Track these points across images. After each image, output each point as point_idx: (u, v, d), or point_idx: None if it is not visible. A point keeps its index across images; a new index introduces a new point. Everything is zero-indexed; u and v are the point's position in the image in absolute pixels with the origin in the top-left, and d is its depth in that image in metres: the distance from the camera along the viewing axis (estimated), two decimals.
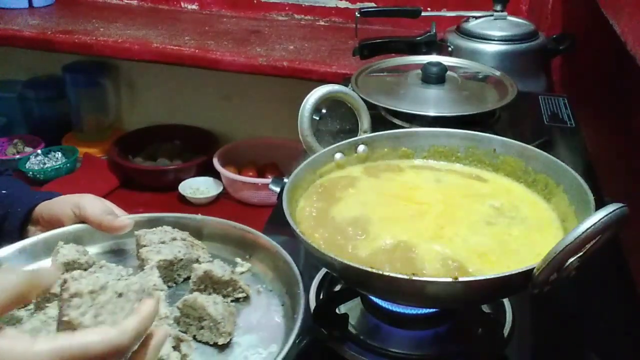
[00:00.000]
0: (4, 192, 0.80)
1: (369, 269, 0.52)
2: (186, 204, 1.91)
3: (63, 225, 0.72)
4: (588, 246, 0.48)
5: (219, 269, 0.65)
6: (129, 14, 2.02)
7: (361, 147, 0.76)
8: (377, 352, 0.62)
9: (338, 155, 0.74)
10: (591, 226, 0.47)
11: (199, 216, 0.74)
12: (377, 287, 0.57)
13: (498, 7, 1.33)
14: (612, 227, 0.48)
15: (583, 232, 0.47)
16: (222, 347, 0.60)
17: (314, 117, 0.87)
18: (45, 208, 0.75)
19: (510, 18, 1.34)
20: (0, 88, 2.24)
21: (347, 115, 1.09)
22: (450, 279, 0.51)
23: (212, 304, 0.60)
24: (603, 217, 0.47)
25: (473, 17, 1.35)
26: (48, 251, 0.68)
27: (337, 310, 0.67)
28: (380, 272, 0.52)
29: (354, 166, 0.75)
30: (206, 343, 0.61)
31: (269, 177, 1.88)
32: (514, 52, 1.29)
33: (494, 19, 1.33)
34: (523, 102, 1.12)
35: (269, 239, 0.68)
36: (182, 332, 0.60)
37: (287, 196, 0.64)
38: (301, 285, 0.61)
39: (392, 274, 0.52)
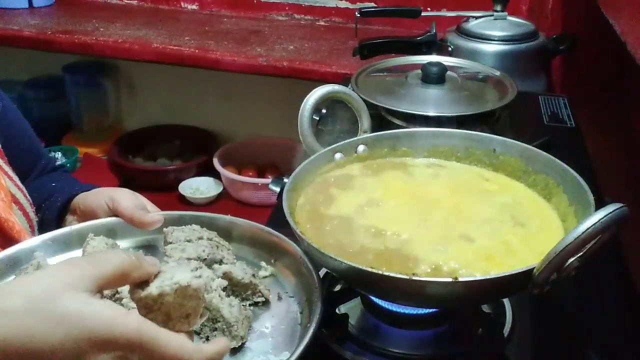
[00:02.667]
0: (52, 184, 0.84)
1: (369, 269, 0.52)
2: (186, 204, 1.91)
3: (97, 217, 0.73)
4: (588, 246, 0.48)
5: (240, 272, 0.64)
6: (129, 14, 2.02)
7: (361, 147, 0.76)
8: (377, 352, 0.62)
9: (338, 155, 0.74)
10: (591, 226, 0.47)
11: (229, 217, 0.73)
12: (377, 287, 0.57)
13: (498, 7, 1.33)
14: (612, 227, 0.48)
15: (583, 232, 0.47)
16: (234, 351, 0.59)
17: (314, 117, 0.87)
18: (82, 199, 0.77)
19: (510, 18, 1.34)
20: (0, 88, 2.24)
21: (347, 115, 1.09)
22: (450, 279, 0.51)
23: (228, 306, 0.60)
24: (603, 217, 0.47)
25: (473, 17, 1.35)
26: (80, 242, 0.68)
27: (337, 310, 0.67)
28: (380, 272, 0.52)
29: (354, 165, 0.75)
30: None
31: (269, 177, 1.88)
32: (514, 52, 1.29)
33: (494, 19, 1.33)
34: (523, 102, 1.12)
35: (294, 244, 0.66)
36: (195, 332, 0.59)
37: (287, 196, 0.64)
38: (319, 292, 0.59)
39: (392, 274, 0.52)
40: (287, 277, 0.67)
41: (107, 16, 1.97)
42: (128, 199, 0.72)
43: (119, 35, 1.79)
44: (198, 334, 0.61)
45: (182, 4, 2.11)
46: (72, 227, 0.71)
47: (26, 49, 1.88)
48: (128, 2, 2.15)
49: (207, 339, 0.61)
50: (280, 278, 0.68)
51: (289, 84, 1.64)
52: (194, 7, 2.11)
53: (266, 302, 0.65)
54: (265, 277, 0.68)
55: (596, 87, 1.29)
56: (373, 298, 0.65)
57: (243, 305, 0.62)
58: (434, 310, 0.64)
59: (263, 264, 0.70)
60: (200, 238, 0.69)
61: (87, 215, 0.75)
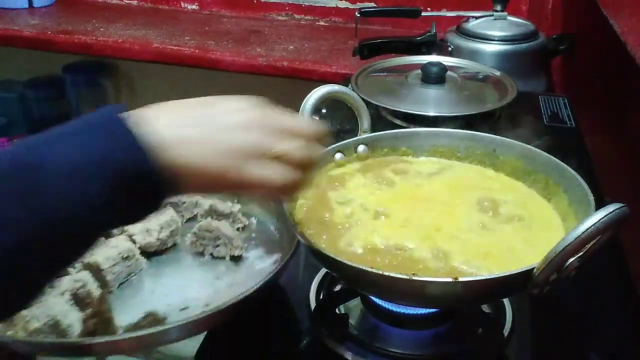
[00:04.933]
0: None
1: (369, 269, 0.52)
2: None
3: None
4: (588, 246, 0.48)
5: (221, 204, 0.79)
6: (129, 14, 2.02)
7: (361, 147, 0.76)
8: (377, 352, 0.62)
9: (338, 155, 0.74)
10: (591, 226, 0.47)
11: None
12: (377, 287, 0.57)
13: (498, 7, 1.33)
14: (612, 227, 0.48)
15: (583, 232, 0.47)
16: (236, 260, 0.75)
17: (314, 117, 0.87)
18: None
19: (510, 18, 1.34)
20: (0, 88, 2.24)
21: (347, 115, 1.09)
22: (450, 279, 0.51)
23: (223, 226, 0.75)
24: (603, 217, 0.47)
25: (473, 17, 1.35)
26: None
27: (337, 310, 0.67)
28: (380, 272, 0.52)
29: (354, 165, 0.75)
30: (222, 258, 0.75)
31: None
32: (514, 52, 1.29)
33: (494, 19, 1.33)
34: (523, 102, 1.12)
35: None
36: (199, 253, 0.76)
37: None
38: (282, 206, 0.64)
39: (392, 274, 0.52)
40: (253, 209, 0.82)
41: (107, 16, 1.97)
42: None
43: (119, 35, 1.79)
44: (202, 253, 0.76)
45: (182, 4, 2.11)
46: None
47: (26, 49, 1.88)
48: (128, 2, 2.15)
49: (212, 255, 0.75)
50: (247, 210, 0.82)
51: (289, 84, 1.63)
52: (194, 7, 2.11)
53: (245, 227, 0.80)
54: (238, 210, 0.81)
55: (596, 87, 1.29)
56: (373, 298, 0.65)
57: (231, 226, 0.77)
58: (434, 310, 0.64)
59: (229, 203, 0.81)
60: None
61: None
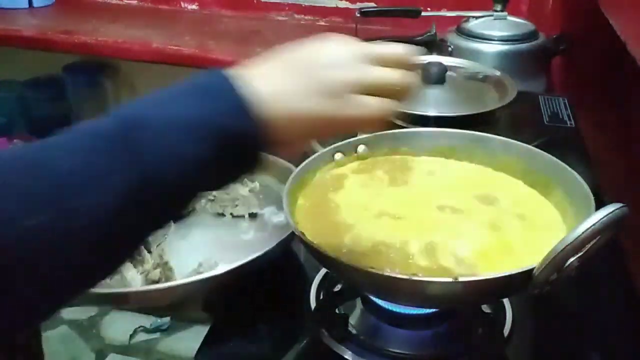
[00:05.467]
0: None
1: (369, 269, 0.52)
2: None
3: None
4: (588, 246, 0.48)
5: None
6: (129, 14, 2.02)
7: (361, 147, 0.76)
8: (377, 352, 0.62)
9: (338, 156, 0.74)
10: (591, 226, 0.47)
11: None
12: (377, 287, 0.57)
13: (498, 7, 1.33)
14: (612, 227, 0.48)
15: (583, 232, 0.47)
16: (254, 216, 0.84)
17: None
18: None
19: (510, 18, 1.34)
20: (0, 88, 2.24)
21: None
22: (450, 279, 0.51)
23: (239, 187, 0.84)
24: (603, 217, 0.47)
25: (473, 17, 1.35)
26: None
27: (337, 310, 0.67)
28: (380, 272, 0.52)
29: (354, 165, 0.75)
30: (241, 216, 0.84)
31: None
32: (514, 52, 1.29)
33: (494, 19, 1.33)
34: (523, 102, 1.12)
35: None
36: (219, 213, 0.84)
37: (287, 196, 0.64)
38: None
39: (392, 274, 0.52)
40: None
41: (107, 16, 1.97)
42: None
43: (119, 35, 1.79)
44: (222, 213, 0.84)
45: (182, 4, 2.11)
46: None
47: (26, 49, 1.88)
48: (128, 2, 2.15)
49: (232, 215, 0.83)
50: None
51: None
52: (194, 7, 2.11)
53: (252, 189, 0.87)
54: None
55: (596, 87, 1.28)
56: (373, 298, 0.65)
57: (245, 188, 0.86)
58: (434, 310, 0.64)
59: None
60: None
61: None
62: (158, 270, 0.70)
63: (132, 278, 0.70)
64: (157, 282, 0.69)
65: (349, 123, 0.50)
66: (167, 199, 0.42)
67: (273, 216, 0.84)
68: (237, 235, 0.81)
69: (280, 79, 0.47)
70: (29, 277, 0.38)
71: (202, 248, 0.78)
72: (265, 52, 0.51)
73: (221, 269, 0.67)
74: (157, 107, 0.43)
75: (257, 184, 0.88)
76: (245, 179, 0.87)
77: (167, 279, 0.69)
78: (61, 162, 0.39)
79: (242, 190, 0.84)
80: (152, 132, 0.41)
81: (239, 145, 0.44)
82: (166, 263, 0.70)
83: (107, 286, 0.66)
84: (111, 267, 0.44)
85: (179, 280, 0.69)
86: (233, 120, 0.43)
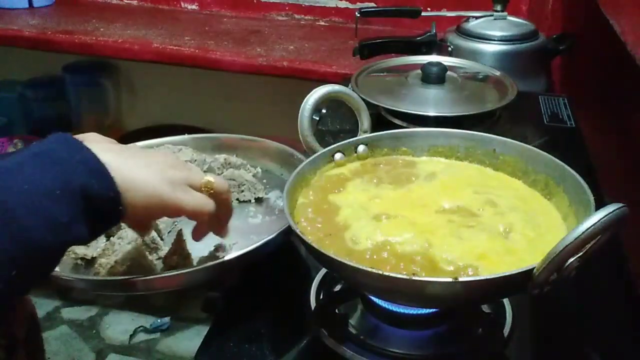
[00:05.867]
0: None
1: (369, 269, 0.52)
2: None
3: None
4: (588, 246, 0.48)
5: (232, 158, 0.88)
6: (129, 14, 2.02)
7: (361, 147, 0.76)
8: (377, 352, 0.62)
9: (338, 155, 0.74)
10: (591, 226, 0.47)
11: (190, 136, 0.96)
12: (377, 287, 0.57)
13: (498, 7, 1.33)
14: (612, 227, 0.48)
15: (583, 232, 0.47)
16: (259, 201, 0.85)
17: (314, 117, 0.87)
18: None
19: (510, 18, 1.34)
20: (0, 88, 2.25)
21: (347, 115, 1.09)
22: (450, 279, 0.51)
23: (244, 173, 0.85)
24: (603, 217, 0.47)
25: (473, 17, 1.35)
26: None
27: (337, 310, 0.67)
28: (380, 272, 0.52)
29: (353, 165, 0.75)
30: (248, 201, 0.85)
31: None
32: (514, 52, 1.29)
33: (494, 19, 1.33)
34: (523, 102, 1.12)
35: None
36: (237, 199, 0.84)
37: (287, 196, 0.64)
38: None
39: (392, 274, 0.52)
40: (256, 160, 0.92)
41: (107, 16, 1.97)
42: (101, 139, 0.81)
43: (119, 35, 1.79)
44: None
45: (182, 4, 2.11)
46: None
47: (26, 49, 1.88)
48: (128, 2, 2.15)
49: (238, 200, 0.84)
50: (252, 162, 0.91)
51: (289, 84, 1.63)
52: (194, 7, 2.11)
53: (255, 174, 0.88)
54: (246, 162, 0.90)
55: (596, 87, 1.29)
56: (373, 298, 0.65)
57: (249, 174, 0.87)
58: (434, 310, 0.64)
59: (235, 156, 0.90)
60: (180, 150, 0.90)
61: None
62: (175, 257, 0.70)
63: (150, 265, 0.70)
64: (175, 267, 0.69)
65: (183, 210, 0.59)
66: (45, 257, 0.47)
67: (279, 200, 0.85)
68: (246, 220, 0.81)
69: (126, 159, 0.54)
70: None
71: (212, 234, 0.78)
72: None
73: (239, 251, 0.67)
74: (18, 175, 0.47)
75: (259, 170, 0.89)
76: (248, 166, 0.88)
77: (185, 265, 0.70)
78: None
79: (247, 175, 0.85)
80: (19, 198, 0.45)
81: (98, 199, 0.49)
82: (183, 249, 0.71)
83: (128, 273, 0.66)
84: None
85: (201, 264, 0.69)
86: (89, 178, 0.49)
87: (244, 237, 0.75)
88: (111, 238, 0.72)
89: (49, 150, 0.49)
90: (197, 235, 0.67)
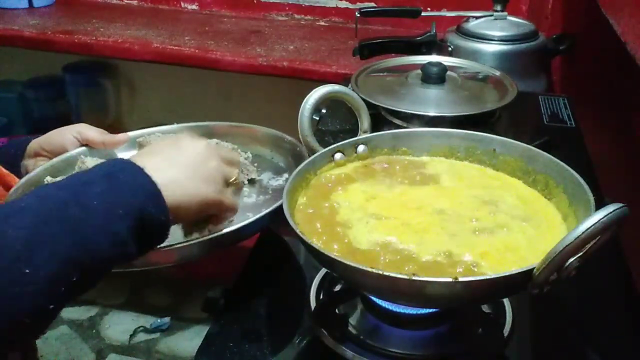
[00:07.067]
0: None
1: (369, 269, 0.52)
2: None
3: (67, 151, 0.82)
4: (588, 246, 0.48)
5: (224, 142, 0.86)
6: (129, 14, 2.02)
7: (361, 147, 0.76)
8: (377, 352, 0.62)
9: (338, 155, 0.74)
10: (591, 226, 0.47)
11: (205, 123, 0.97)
12: (377, 287, 0.57)
13: (498, 7, 1.33)
14: (612, 227, 0.48)
15: (583, 232, 0.47)
16: (252, 182, 0.85)
17: (314, 117, 0.87)
18: (43, 142, 0.83)
19: (510, 18, 1.34)
20: (0, 88, 2.25)
21: (347, 115, 1.09)
22: (450, 279, 0.51)
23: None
24: (603, 217, 0.47)
25: (473, 17, 1.35)
26: (71, 168, 0.80)
27: (337, 310, 0.67)
28: (380, 272, 0.52)
29: (354, 165, 0.75)
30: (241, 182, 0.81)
31: None
32: (514, 52, 1.29)
33: (494, 19, 1.33)
34: (523, 102, 1.12)
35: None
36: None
37: (287, 196, 0.64)
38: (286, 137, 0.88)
39: (392, 274, 0.52)
40: (245, 144, 0.91)
41: (107, 16, 1.97)
42: (92, 129, 0.85)
43: (119, 35, 1.79)
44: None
45: (182, 4, 2.11)
46: (59, 157, 0.81)
47: (26, 49, 1.88)
48: (128, 2, 2.15)
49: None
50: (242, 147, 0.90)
51: (289, 84, 1.63)
52: (194, 7, 2.11)
53: (247, 158, 0.88)
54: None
55: (596, 87, 1.29)
56: (373, 298, 0.65)
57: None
58: (434, 310, 0.64)
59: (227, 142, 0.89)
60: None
61: (57, 152, 0.82)
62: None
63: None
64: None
65: (222, 207, 0.64)
66: (97, 268, 0.51)
67: (271, 180, 0.86)
68: (241, 200, 0.81)
69: (167, 171, 0.57)
70: None
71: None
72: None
73: (238, 225, 0.68)
74: (84, 190, 0.51)
75: (249, 154, 0.89)
76: (239, 150, 0.89)
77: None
78: (13, 232, 0.46)
79: (240, 158, 0.85)
80: (83, 211, 0.49)
81: (153, 222, 0.54)
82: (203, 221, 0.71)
83: None
84: (45, 324, 0.50)
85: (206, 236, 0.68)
86: (148, 202, 0.53)
87: (240, 215, 0.74)
88: None
89: (114, 172, 0.54)
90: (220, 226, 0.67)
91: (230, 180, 0.66)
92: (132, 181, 0.54)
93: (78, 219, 0.48)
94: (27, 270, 0.44)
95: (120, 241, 0.51)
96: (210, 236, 0.66)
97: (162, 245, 0.60)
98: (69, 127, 0.85)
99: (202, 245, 0.66)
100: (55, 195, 0.50)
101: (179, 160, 0.60)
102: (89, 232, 0.49)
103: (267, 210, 0.70)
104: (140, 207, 0.52)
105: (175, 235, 0.70)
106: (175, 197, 0.56)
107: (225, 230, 0.67)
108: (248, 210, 0.79)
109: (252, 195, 0.83)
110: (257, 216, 0.69)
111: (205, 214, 0.64)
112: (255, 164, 0.88)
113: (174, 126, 0.95)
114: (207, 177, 0.61)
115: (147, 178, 0.54)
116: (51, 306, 0.47)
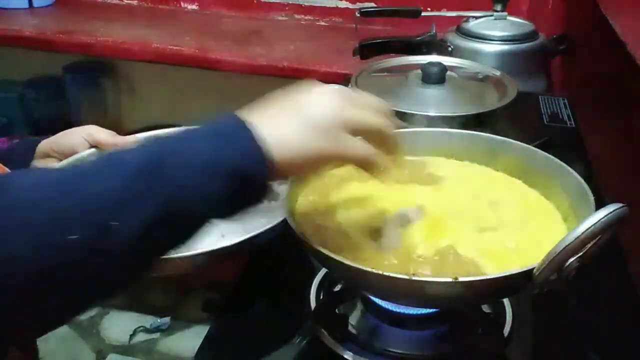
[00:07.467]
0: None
1: (369, 269, 0.52)
2: None
3: (77, 152, 0.82)
4: (588, 246, 0.48)
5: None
6: (129, 14, 2.02)
7: None
8: (377, 352, 0.62)
9: None
10: (591, 226, 0.47)
11: None
12: (377, 287, 0.57)
13: (498, 7, 1.33)
14: (612, 227, 0.48)
15: (583, 232, 0.47)
16: None
17: None
18: (53, 143, 0.83)
19: (510, 18, 1.34)
20: (0, 88, 2.24)
21: None
22: (450, 279, 0.51)
23: None
24: (603, 217, 0.47)
25: (473, 17, 1.35)
26: None
27: (337, 310, 0.67)
28: (380, 272, 0.52)
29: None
30: None
31: None
32: (514, 52, 1.29)
33: (494, 19, 1.33)
34: (523, 102, 1.12)
35: None
36: None
37: (287, 196, 0.64)
38: None
39: (392, 274, 0.52)
40: None
41: (107, 16, 1.97)
42: (103, 131, 0.84)
43: (119, 35, 1.79)
44: None
45: (182, 4, 2.11)
46: (68, 159, 0.81)
47: (26, 49, 1.88)
48: (128, 2, 2.15)
49: None
50: None
51: (289, 84, 1.63)
52: (194, 7, 2.11)
53: None
54: None
55: (596, 87, 1.29)
56: (373, 298, 0.65)
57: None
58: (434, 310, 0.64)
59: None
60: None
61: (66, 154, 0.83)
62: None
63: None
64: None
65: (343, 158, 0.55)
66: (187, 226, 0.48)
67: (281, 186, 0.85)
68: None
69: (282, 124, 0.52)
70: (60, 288, 0.42)
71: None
72: (267, 98, 0.57)
73: (249, 234, 0.68)
74: (183, 145, 0.49)
75: None
76: None
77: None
78: (97, 185, 0.44)
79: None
80: (179, 167, 0.46)
81: (252, 184, 0.49)
82: None
83: None
84: (130, 281, 0.48)
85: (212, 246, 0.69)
86: (249, 163, 0.49)
87: (253, 220, 0.74)
88: None
89: (220, 129, 0.51)
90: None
91: (366, 128, 0.55)
92: (237, 141, 0.50)
93: (173, 176, 0.46)
94: (117, 224, 0.43)
95: (216, 202, 0.48)
96: (223, 245, 0.66)
97: (177, 255, 0.60)
98: (79, 129, 0.85)
99: (215, 254, 0.66)
100: (158, 152, 0.48)
101: (291, 112, 0.54)
102: (185, 191, 0.46)
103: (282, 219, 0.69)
104: (241, 168, 0.49)
105: (201, 242, 0.70)
106: (283, 156, 0.50)
107: (239, 239, 0.67)
108: (260, 215, 0.77)
109: (263, 201, 0.83)
110: (271, 225, 0.69)
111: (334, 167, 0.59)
112: None
113: (178, 129, 0.95)
114: (321, 130, 0.52)
115: (253, 138, 0.50)
116: (138, 263, 0.47)
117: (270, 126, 0.51)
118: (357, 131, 0.54)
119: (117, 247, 0.43)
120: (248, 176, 0.49)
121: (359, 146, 0.54)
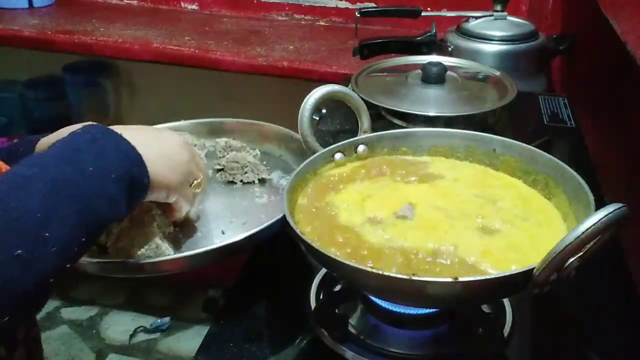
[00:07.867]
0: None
1: (369, 269, 0.52)
2: None
3: None
4: (588, 246, 0.48)
5: (232, 141, 0.90)
6: (129, 14, 2.02)
7: (361, 147, 0.76)
8: (377, 352, 0.62)
9: (338, 155, 0.74)
10: (591, 226, 0.47)
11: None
12: (377, 287, 0.57)
13: (498, 7, 1.33)
14: (612, 227, 0.48)
15: (583, 232, 0.47)
16: (262, 182, 0.86)
17: (314, 117, 0.87)
18: (51, 141, 0.82)
19: (510, 18, 1.34)
20: (0, 88, 2.24)
21: (347, 115, 1.09)
22: (450, 279, 0.51)
23: (246, 155, 0.87)
24: (603, 217, 0.47)
25: (473, 17, 1.35)
26: None
27: (337, 310, 0.67)
28: (380, 272, 0.52)
29: (354, 165, 0.75)
30: (251, 182, 0.85)
31: None
32: (514, 52, 1.29)
33: (494, 19, 1.33)
34: (523, 102, 1.12)
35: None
36: (230, 182, 0.86)
37: (287, 196, 0.64)
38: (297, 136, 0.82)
39: (392, 274, 0.52)
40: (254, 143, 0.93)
41: (107, 16, 1.97)
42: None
43: (119, 35, 1.79)
44: (233, 181, 0.86)
45: (182, 4, 2.11)
46: None
47: (26, 49, 1.88)
48: (128, 2, 2.15)
49: (242, 182, 0.86)
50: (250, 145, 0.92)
51: (289, 84, 1.63)
52: (194, 7, 2.11)
53: (256, 156, 0.89)
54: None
55: (596, 87, 1.29)
56: (373, 298, 0.65)
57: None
58: (434, 310, 0.64)
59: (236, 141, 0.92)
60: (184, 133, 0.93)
61: None
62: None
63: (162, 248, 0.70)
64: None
65: (180, 198, 0.68)
66: (100, 228, 0.56)
67: (282, 180, 0.86)
68: (252, 200, 0.82)
69: (148, 147, 0.61)
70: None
71: (223, 215, 0.78)
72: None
73: (253, 228, 0.68)
74: (80, 157, 0.56)
75: (258, 152, 0.90)
76: (248, 148, 0.90)
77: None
78: (29, 201, 0.50)
79: (250, 157, 0.87)
80: (86, 178, 0.54)
81: (139, 185, 0.59)
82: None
83: (142, 257, 0.66)
84: (52, 288, 0.52)
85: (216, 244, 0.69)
86: (135, 167, 0.59)
87: (253, 216, 0.77)
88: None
89: (97, 137, 0.58)
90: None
91: (194, 182, 0.70)
92: (116, 146, 0.58)
93: (80, 185, 0.53)
94: (47, 234, 0.49)
95: (115, 202, 0.56)
96: (224, 243, 0.66)
97: (173, 255, 0.65)
98: (78, 126, 0.85)
99: (217, 252, 0.66)
100: (54, 164, 0.54)
101: (154, 144, 0.64)
102: (91, 197, 0.54)
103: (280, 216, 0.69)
104: (128, 170, 0.57)
105: (189, 244, 0.72)
106: (152, 174, 0.60)
107: (241, 236, 0.67)
108: (260, 212, 0.78)
109: (263, 196, 0.83)
110: (272, 220, 0.69)
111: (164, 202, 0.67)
112: (264, 163, 0.88)
113: (182, 122, 0.96)
114: (175, 169, 0.65)
115: (128, 143, 0.59)
116: (67, 265, 0.52)
117: (138, 147, 0.60)
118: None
119: (51, 252, 0.49)
120: (133, 177, 0.58)
121: (191, 197, 0.70)
